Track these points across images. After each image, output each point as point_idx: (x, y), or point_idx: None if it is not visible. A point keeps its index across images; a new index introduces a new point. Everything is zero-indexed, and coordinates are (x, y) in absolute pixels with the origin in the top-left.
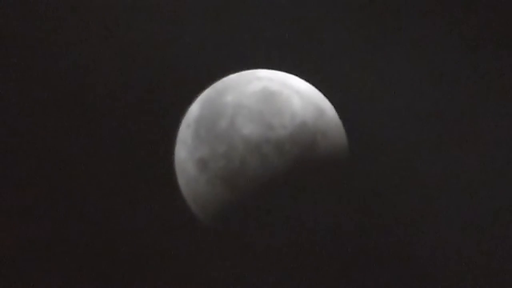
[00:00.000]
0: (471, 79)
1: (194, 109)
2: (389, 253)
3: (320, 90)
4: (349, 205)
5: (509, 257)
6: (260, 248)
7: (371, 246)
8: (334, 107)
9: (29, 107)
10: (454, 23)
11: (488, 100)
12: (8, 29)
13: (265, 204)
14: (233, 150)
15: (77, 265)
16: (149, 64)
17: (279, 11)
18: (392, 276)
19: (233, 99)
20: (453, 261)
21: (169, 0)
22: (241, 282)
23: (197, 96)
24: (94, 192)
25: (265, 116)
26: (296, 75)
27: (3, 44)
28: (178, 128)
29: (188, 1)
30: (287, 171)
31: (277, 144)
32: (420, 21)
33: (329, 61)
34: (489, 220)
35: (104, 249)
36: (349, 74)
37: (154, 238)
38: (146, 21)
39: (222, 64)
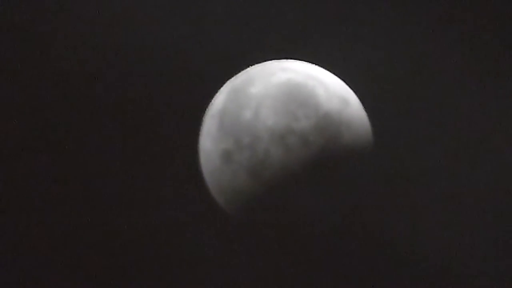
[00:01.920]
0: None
1: (219, 100)
2: (407, 241)
3: (344, 81)
4: (373, 196)
5: None
6: (283, 238)
7: (395, 237)
8: (359, 98)
9: (59, 102)
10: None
11: None
12: (13, 29)
13: (289, 196)
14: (257, 141)
15: (102, 255)
16: (175, 54)
17: (306, 2)
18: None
19: (257, 90)
20: (467, 259)
21: None
22: (265, 273)
23: (221, 87)
24: (119, 183)
25: (290, 107)
26: (321, 66)
27: (14, 44)
28: (203, 118)
29: None
30: (311, 162)
31: (302, 135)
32: (451, 10)
33: (354, 52)
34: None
35: (128, 240)
36: (374, 66)
37: (179, 228)
38: (171, 10)
39: (247, 54)
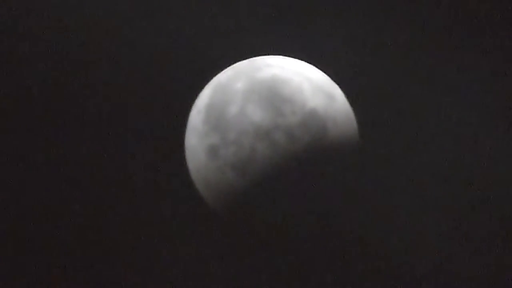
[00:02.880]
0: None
1: (205, 95)
2: (393, 239)
3: (330, 77)
4: (358, 192)
5: None
6: (269, 234)
7: (381, 231)
8: (345, 94)
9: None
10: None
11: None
12: (12, 29)
13: (275, 191)
14: (243, 137)
15: (88, 253)
16: (160, 50)
17: None
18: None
19: (243, 85)
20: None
21: None
22: (251, 268)
23: (207, 82)
24: (103, 179)
25: (276, 103)
26: (307, 62)
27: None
28: (189, 114)
29: None
30: (297, 158)
31: (288, 131)
32: (434, 8)
33: (340, 48)
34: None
35: (113, 237)
36: (360, 61)
37: (165, 225)
38: (158, 6)
39: (232, 50)
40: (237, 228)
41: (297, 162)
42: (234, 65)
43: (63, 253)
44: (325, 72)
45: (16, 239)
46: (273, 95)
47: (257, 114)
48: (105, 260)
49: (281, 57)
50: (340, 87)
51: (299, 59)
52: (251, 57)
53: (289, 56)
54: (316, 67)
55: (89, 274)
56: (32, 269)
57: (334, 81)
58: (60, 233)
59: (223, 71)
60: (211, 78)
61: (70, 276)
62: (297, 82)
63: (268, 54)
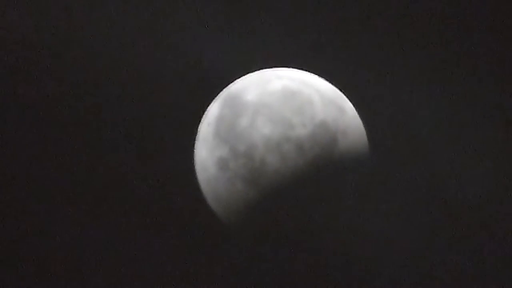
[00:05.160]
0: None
1: (215, 107)
2: (403, 246)
3: (340, 89)
4: (369, 203)
5: None
6: (280, 246)
7: (392, 241)
8: (354, 106)
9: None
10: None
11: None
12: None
13: (285, 203)
14: (253, 149)
15: (93, 259)
16: (171, 62)
17: (301, 10)
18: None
19: (253, 98)
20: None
21: None
22: (261, 279)
23: (217, 94)
24: (114, 190)
25: (286, 115)
26: (317, 74)
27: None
28: (199, 126)
29: None
30: (307, 170)
31: (298, 143)
32: (441, 20)
33: (350, 61)
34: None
35: (122, 247)
36: (370, 74)
37: (174, 236)
38: (168, 17)
39: (242, 62)
40: (247, 239)
41: (307, 175)
42: (244, 77)
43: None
44: (335, 85)
45: (16, 239)
46: (283, 107)
47: (267, 127)
48: (108, 269)
49: (291, 69)
50: (350, 99)
51: (309, 71)
52: (261, 69)
53: (299, 68)
54: (326, 79)
55: (93, 277)
56: (30, 269)
57: (344, 93)
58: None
59: (233, 83)
60: (221, 90)
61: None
62: (307, 94)
63: (278, 66)
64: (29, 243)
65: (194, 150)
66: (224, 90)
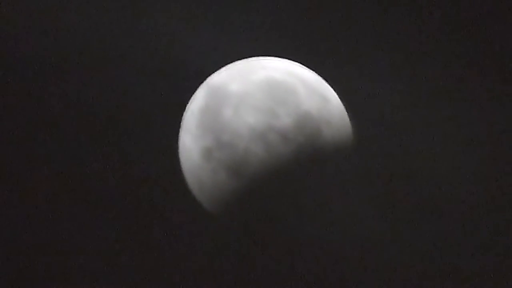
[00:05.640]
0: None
1: (199, 97)
2: (388, 236)
3: (324, 78)
4: (353, 192)
5: None
6: (263, 235)
7: (376, 231)
8: (339, 96)
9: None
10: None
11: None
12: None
13: (269, 193)
14: (237, 139)
15: (82, 252)
16: (155, 52)
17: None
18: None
19: (237, 87)
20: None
21: None
22: (244, 268)
23: (201, 83)
24: (97, 180)
25: (270, 104)
26: (301, 63)
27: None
28: (183, 116)
29: None
30: (291, 159)
31: (282, 133)
32: (424, 8)
33: (334, 50)
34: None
35: (106, 237)
36: (354, 64)
37: (158, 226)
38: (152, 6)
39: (226, 51)
40: (231, 229)
41: (291, 164)
42: (228, 66)
43: (54, 252)
44: (319, 74)
45: (15, 238)
46: (267, 97)
47: (251, 116)
48: (95, 258)
49: (275, 58)
50: (334, 89)
51: (293, 60)
52: (245, 58)
53: (283, 57)
54: (310, 68)
55: (81, 270)
56: (29, 270)
57: (328, 83)
58: (50, 232)
59: (217, 72)
60: (205, 79)
61: (61, 274)
62: (291, 84)
63: (262, 56)
64: (11, 246)
65: (178, 140)
66: (208, 80)
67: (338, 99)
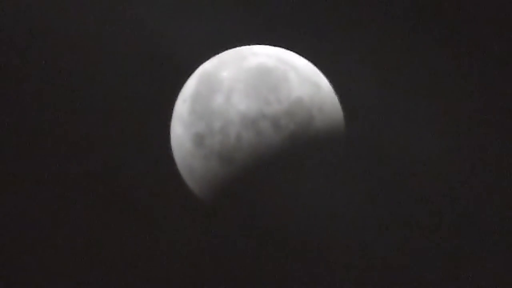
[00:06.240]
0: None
1: (191, 84)
2: (376, 225)
3: (316, 65)
4: (345, 179)
5: None
6: (254, 223)
7: (366, 218)
8: (330, 83)
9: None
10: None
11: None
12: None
13: (260, 180)
14: (229, 126)
15: (77, 240)
16: (147, 39)
17: None
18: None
19: (229, 74)
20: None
21: None
22: (236, 257)
23: (193, 72)
24: (90, 168)
25: (261, 91)
26: (292, 50)
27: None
28: (175, 103)
29: None
30: (283, 146)
31: (273, 120)
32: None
33: (325, 37)
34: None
35: (97, 225)
36: (345, 50)
37: (150, 213)
38: None
39: (218, 39)
40: (223, 216)
41: (283, 151)
42: (220, 54)
43: (50, 250)
44: (310, 61)
45: (15, 239)
46: (258, 84)
47: (242, 103)
48: (85, 249)
49: (266, 46)
50: (325, 75)
51: (284, 48)
52: (237, 46)
53: (274, 45)
54: (302, 56)
55: (75, 264)
56: (29, 270)
57: (320, 69)
58: (44, 230)
59: (208, 60)
60: (197, 67)
61: (57, 271)
62: (283, 71)
63: (254, 43)
64: (11, 246)
65: (170, 127)
66: (200, 67)
67: (330, 86)
